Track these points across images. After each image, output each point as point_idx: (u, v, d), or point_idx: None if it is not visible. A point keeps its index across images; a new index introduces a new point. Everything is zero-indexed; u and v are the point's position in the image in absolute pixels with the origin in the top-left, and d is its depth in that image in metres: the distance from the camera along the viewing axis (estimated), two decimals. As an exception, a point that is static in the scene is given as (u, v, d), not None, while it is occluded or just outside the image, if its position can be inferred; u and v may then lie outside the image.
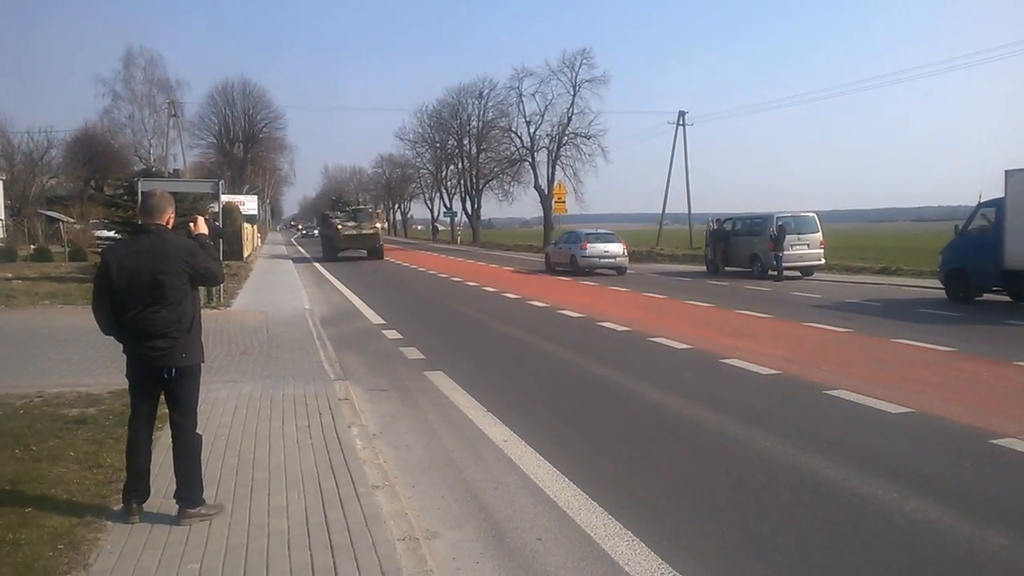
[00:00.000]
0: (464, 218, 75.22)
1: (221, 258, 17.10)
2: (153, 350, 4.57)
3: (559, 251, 29.88)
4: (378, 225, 39.75)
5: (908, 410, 7.51)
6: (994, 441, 6.44)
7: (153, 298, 4.53)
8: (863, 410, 7.63)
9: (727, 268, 27.30)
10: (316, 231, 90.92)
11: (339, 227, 36.71)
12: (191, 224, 4.97)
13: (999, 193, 16.26)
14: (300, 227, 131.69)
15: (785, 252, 24.26)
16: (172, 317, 4.58)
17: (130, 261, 4.58)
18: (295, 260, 38.62)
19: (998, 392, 8.48)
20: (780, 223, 24.56)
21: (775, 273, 24.18)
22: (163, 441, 5.39)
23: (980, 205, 17.31)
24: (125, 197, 21.61)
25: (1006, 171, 15.96)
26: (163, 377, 4.64)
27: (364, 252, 38.51)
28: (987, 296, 17.00)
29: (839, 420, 7.41)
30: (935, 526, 4.79)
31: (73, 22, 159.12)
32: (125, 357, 4.72)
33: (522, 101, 58.15)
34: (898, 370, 9.65)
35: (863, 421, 7.32)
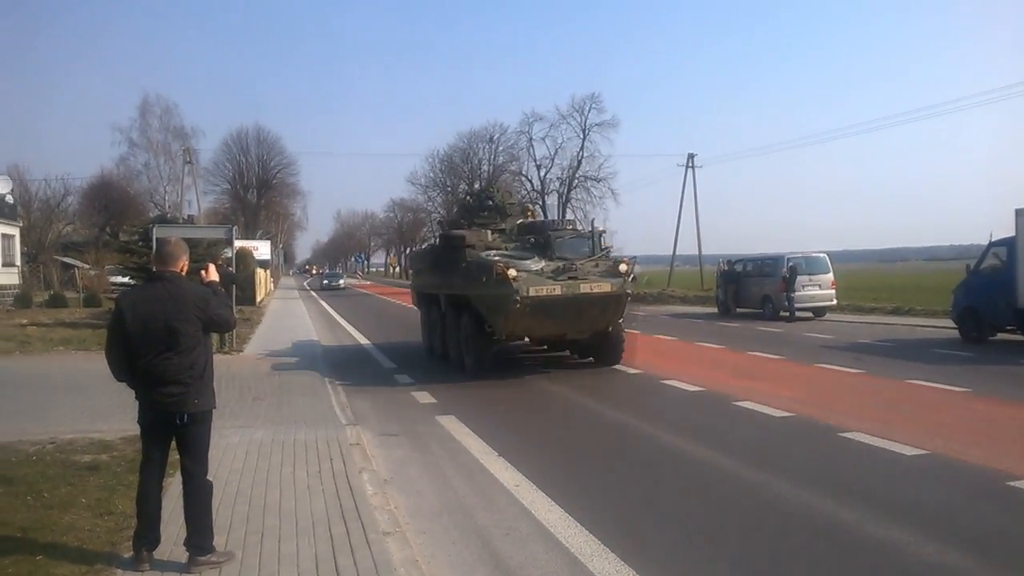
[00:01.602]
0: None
1: (234, 303, 17.22)
2: (166, 396, 4.60)
3: None
4: (623, 267, 13.18)
5: (923, 452, 7.43)
6: (1011, 483, 6.36)
7: (167, 344, 4.58)
8: (878, 452, 7.56)
9: (738, 309, 27.22)
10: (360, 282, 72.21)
11: (511, 275, 12.31)
12: (202, 272, 5.04)
13: (1010, 232, 16.23)
14: (316, 271, 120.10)
15: (797, 293, 24.21)
16: (185, 363, 4.62)
17: (144, 308, 4.64)
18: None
19: (1014, 433, 8.39)
20: (791, 264, 24.56)
21: (787, 314, 24.10)
22: (174, 488, 5.40)
23: (991, 244, 17.26)
24: (140, 243, 21.90)
25: (1016, 210, 15.94)
26: (175, 423, 4.67)
27: (561, 339, 14.88)
28: (1000, 335, 16.87)
29: (853, 463, 7.34)
30: (953, 570, 4.72)
31: (90, 71, 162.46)
32: (137, 403, 4.75)
33: (532, 145, 58.87)
34: (912, 411, 9.56)
35: (878, 464, 7.24)
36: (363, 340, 20.58)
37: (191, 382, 4.64)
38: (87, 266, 42.55)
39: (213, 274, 5.06)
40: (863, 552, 5.06)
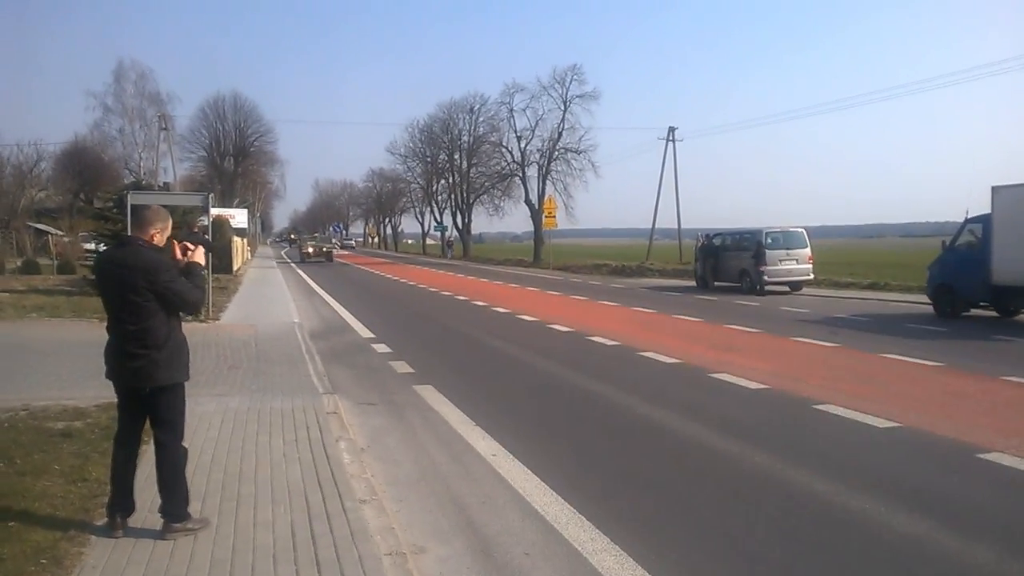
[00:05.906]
0: (454, 232, 74.97)
1: (210, 272, 16.99)
2: (125, 368, 4.50)
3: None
4: None
5: (896, 425, 7.53)
6: (981, 455, 6.46)
7: (122, 312, 4.47)
8: (851, 425, 7.65)
9: (716, 283, 27.40)
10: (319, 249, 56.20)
11: None
12: (182, 252, 4.76)
13: (986, 209, 16.39)
14: (312, 251, 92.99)
15: (768, 267, 24.52)
16: (139, 333, 4.45)
17: (105, 271, 4.55)
18: None
19: (985, 406, 8.52)
20: (758, 240, 24.87)
21: (759, 288, 24.43)
22: (149, 455, 5.35)
23: (967, 221, 17.43)
24: (114, 210, 21.54)
25: (993, 187, 16.11)
26: (141, 394, 4.59)
27: None
28: (974, 311, 17.10)
29: (827, 435, 7.42)
30: (923, 540, 4.80)
31: (65, 36, 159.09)
32: (111, 371, 4.67)
33: (513, 116, 58.24)
34: (886, 385, 9.68)
35: (851, 436, 7.33)
36: (341, 310, 20.48)
37: (147, 353, 4.46)
38: (61, 233, 41.93)
39: (179, 253, 4.75)
40: (834, 522, 5.13)
